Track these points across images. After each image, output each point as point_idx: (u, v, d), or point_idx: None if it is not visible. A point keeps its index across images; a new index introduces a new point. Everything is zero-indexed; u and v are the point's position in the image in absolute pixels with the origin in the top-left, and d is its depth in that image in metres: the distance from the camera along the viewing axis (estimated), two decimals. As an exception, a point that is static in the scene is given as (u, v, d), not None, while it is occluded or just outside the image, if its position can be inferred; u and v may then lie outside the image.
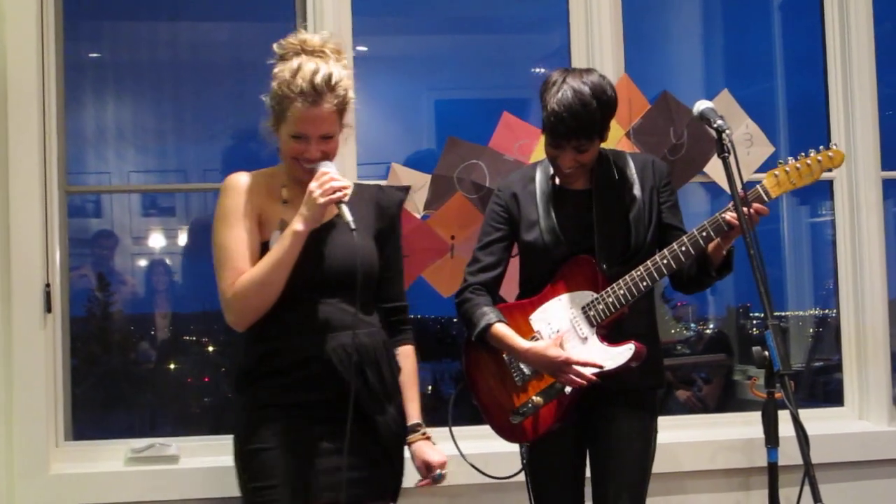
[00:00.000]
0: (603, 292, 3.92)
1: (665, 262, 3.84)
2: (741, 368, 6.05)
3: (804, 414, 3.40)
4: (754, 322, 6.62)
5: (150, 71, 6.10)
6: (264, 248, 3.57)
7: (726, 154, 3.63)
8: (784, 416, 3.37)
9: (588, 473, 4.12)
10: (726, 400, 6.34)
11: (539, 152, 4.85)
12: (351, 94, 3.61)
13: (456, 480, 4.37)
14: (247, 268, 3.51)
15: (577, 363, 3.85)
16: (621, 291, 3.88)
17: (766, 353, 3.42)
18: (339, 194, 3.46)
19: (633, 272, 3.88)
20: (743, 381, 5.92)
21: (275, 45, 3.62)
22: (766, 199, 3.81)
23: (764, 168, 4.99)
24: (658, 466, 4.11)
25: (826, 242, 5.68)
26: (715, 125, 3.69)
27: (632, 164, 4.10)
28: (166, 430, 5.78)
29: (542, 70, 6.96)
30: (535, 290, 4.11)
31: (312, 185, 3.47)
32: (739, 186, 3.60)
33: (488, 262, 4.18)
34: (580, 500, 4.13)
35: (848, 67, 5.53)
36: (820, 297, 6.63)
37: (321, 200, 3.44)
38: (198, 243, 6.18)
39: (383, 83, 7.02)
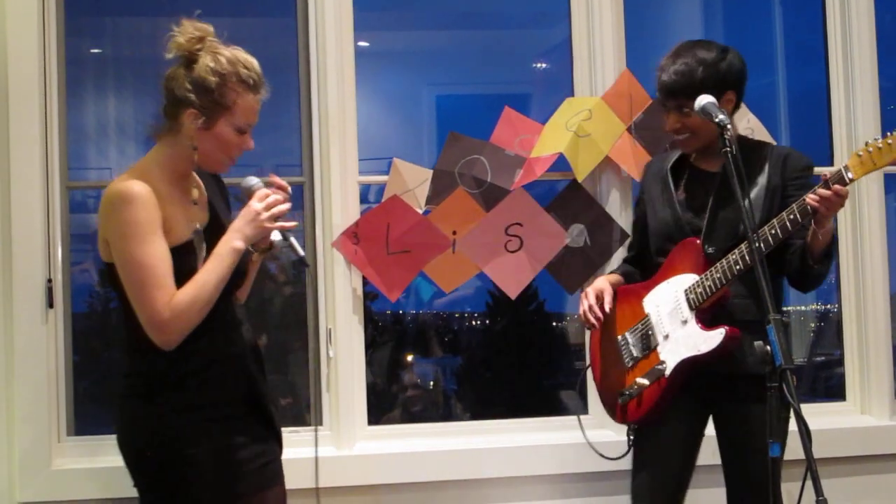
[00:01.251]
0: (703, 275, 3.94)
1: (756, 245, 3.73)
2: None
3: (806, 409, 3.38)
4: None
5: (151, 66, 6.07)
6: (174, 252, 3.44)
7: (728, 149, 3.63)
8: (786, 409, 3.37)
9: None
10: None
11: (540, 147, 4.85)
12: None
13: (519, 472, 4.41)
14: (173, 285, 3.39)
15: (590, 304, 4.17)
16: (717, 275, 3.90)
17: (768, 347, 3.41)
18: (288, 224, 3.47)
19: (728, 256, 3.88)
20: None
21: (176, 35, 3.61)
22: (847, 180, 3.75)
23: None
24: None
25: (827, 237, 5.66)
26: (716, 120, 3.70)
27: (768, 154, 4.13)
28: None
29: (544, 65, 6.96)
30: (653, 272, 4.18)
31: (257, 206, 3.44)
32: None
33: (631, 242, 4.50)
34: (683, 483, 4.16)
35: (849, 61, 5.52)
36: (822, 291, 6.61)
37: (268, 226, 3.43)
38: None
39: (384, 78, 7.01)
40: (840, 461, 5.12)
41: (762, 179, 4.06)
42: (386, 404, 5.95)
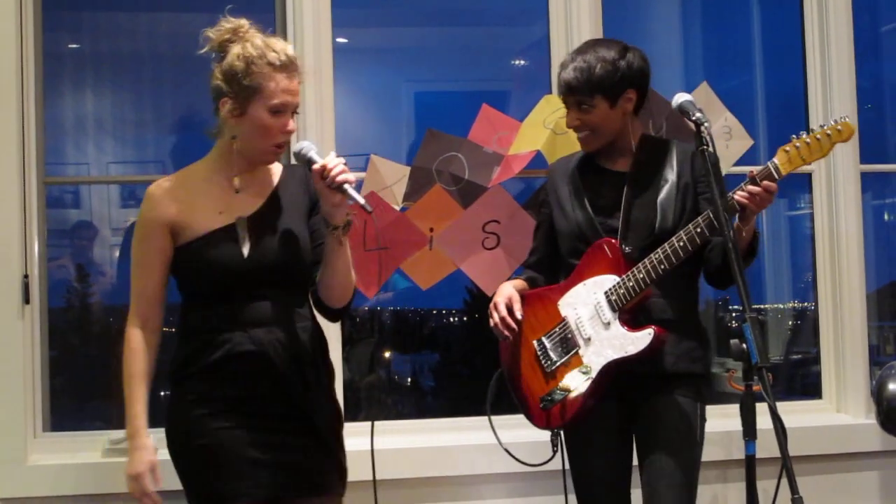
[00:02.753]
0: (624, 276, 3.91)
1: (681, 243, 3.80)
2: (719, 361, 6.05)
3: (782, 407, 3.40)
4: (733, 315, 6.62)
5: (129, 62, 6.08)
6: (193, 243, 3.58)
7: (705, 147, 3.64)
8: (762, 409, 3.38)
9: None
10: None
11: (518, 144, 4.86)
12: None
13: (493, 469, 4.40)
14: (150, 313, 3.60)
15: (501, 315, 4.04)
16: (640, 275, 3.86)
17: (744, 345, 3.43)
18: (349, 176, 3.47)
19: (651, 255, 3.86)
20: (721, 374, 5.92)
21: (209, 32, 3.60)
22: (776, 176, 3.76)
23: (743, 161, 5.00)
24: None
25: (805, 236, 5.69)
26: (694, 118, 3.71)
27: (674, 151, 4.11)
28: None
29: (522, 62, 6.97)
30: (566, 273, 4.13)
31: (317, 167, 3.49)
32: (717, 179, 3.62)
33: (533, 246, 4.37)
34: (624, 490, 4.10)
35: (827, 60, 5.55)
36: (798, 290, 6.64)
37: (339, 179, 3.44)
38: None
39: (362, 75, 7.02)
40: (815, 459, 5.14)
41: (672, 177, 4.04)
42: (362, 401, 5.95)
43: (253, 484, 3.51)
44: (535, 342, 4.10)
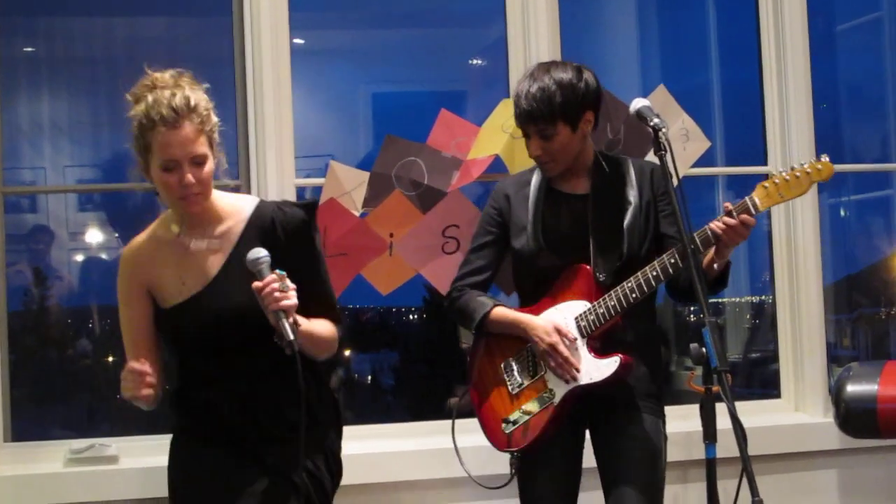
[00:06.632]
0: (595, 303, 3.89)
1: (654, 273, 3.80)
2: (678, 360, 6.10)
3: (741, 406, 3.44)
4: (691, 311, 6.66)
5: (85, 66, 6.06)
6: (161, 315, 3.60)
7: (663, 152, 3.66)
8: (721, 409, 3.41)
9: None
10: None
11: (477, 149, 4.87)
12: (214, 118, 3.51)
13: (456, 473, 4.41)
14: (141, 357, 3.49)
15: (564, 356, 3.87)
16: (612, 303, 3.85)
17: (704, 349, 3.45)
18: (284, 303, 3.34)
19: (623, 284, 3.84)
20: (680, 372, 5.97)
21: (127, 95, 3.49)
22: (753, 211, 3.76)
23: (700, 163, 5.04)
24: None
25: (762, 234, 5.72)
26: (651, 123, 3.73)
27: (631, 170, 4.09)
28: (105, 427, 5.75)
29: (480, 62, 6.98)
30: (531, 298, 4.10)
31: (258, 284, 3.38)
32: (676, 183, 3.65)
33: (478, 266, 4.21)
34: (576, 490, 4.08)
35: (782, 59, 5.58)
36: (756, 288, 6.69)
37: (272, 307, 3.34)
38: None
39: (321, 76, 7.01)
40: (774, 458, 5.17)
41: (633, 198, 4.03)
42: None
43: None
44: (502, 364, 4.09)
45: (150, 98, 3.39)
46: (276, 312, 3.32)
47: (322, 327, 3.60)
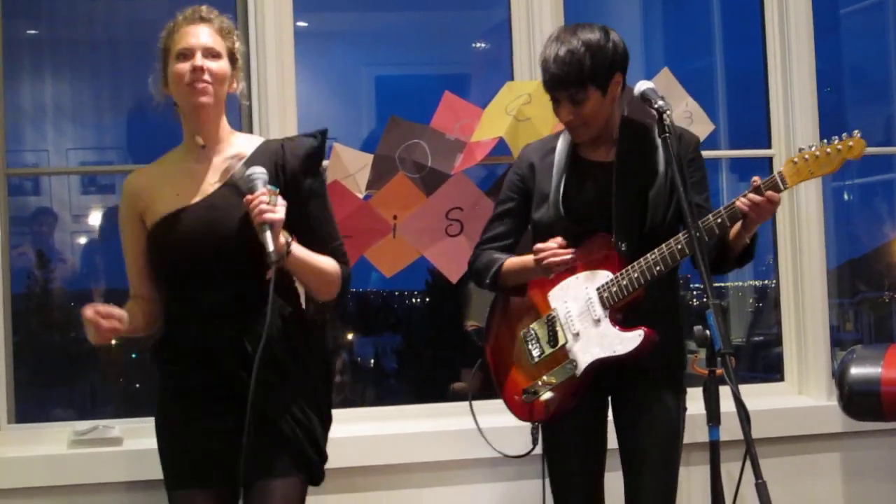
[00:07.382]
0: (618, 274, 3.83)
1: (679, 247, 3.73)
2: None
3: (744, 389, 3.42)
4: (694, 293, 6.65)
5: (87, 48, 6.06)
6: (147, 240, 3.65)
7: (667, 135, 3.64)
8: (725, 392, 3.40)
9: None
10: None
11: (480, 132, 4.86)
12: (238, 40, 3.66)
13: (475, 454, 4.40)
14: (141, 289, 3.73)
15: (553, 249, 3.80)
16: (635, 275, 3.79)
17: (707, 332, 3.44)
18: (268, 216, 3.35)
19: (647, 255, 3.78)
20: (684, 354, 5.97)
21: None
22: (781, 187, 3.69)
23: (703, 146, 5.02)
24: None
25: (766, 217, 5.71)
26: (656, 106, 3.69)
27: (658, 134, 3.90)
28: (109, 409, 5.76)
29: (483, 45, 6.97)
30: None
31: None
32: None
33: (499, 232, 4.17)
34: (599, 479, 4.07)
35: (787, 42, 5.55)
36: (760, 272, 6.69)
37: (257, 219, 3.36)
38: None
39: (324, 58, 7.01)
40: (778, 441, 5.17)
41: (660, 165, 3.95)
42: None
43: (197, 473, 3.61)
44: (522, 332, 4.04)
45: (178, 15, 3.58)
46: (262, 226, 3.34)
47: (323, 260, 3.62)
